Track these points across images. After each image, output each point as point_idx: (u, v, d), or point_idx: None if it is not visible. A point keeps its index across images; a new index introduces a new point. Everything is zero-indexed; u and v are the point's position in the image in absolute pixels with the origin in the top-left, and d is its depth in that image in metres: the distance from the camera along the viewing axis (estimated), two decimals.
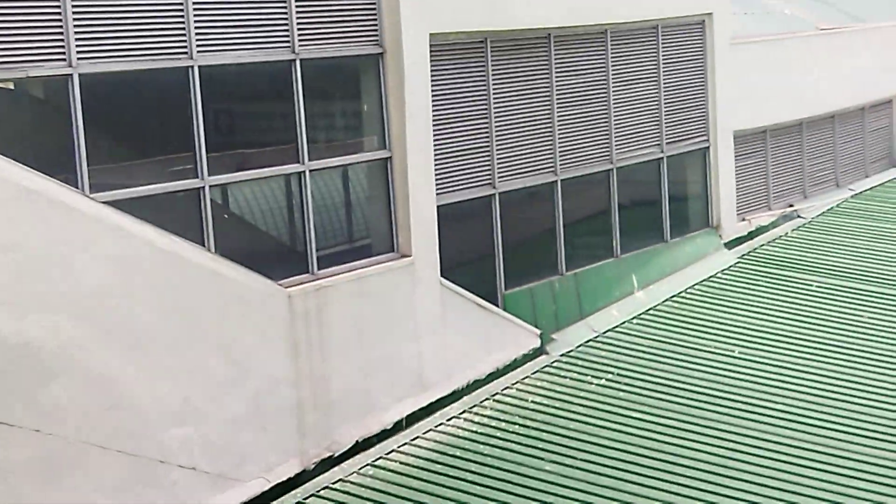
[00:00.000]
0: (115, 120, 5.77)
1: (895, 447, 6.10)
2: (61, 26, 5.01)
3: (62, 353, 5.23)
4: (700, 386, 6.98)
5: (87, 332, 5.32)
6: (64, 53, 5.07)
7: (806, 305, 8.52)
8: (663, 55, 9.27)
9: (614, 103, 8.60)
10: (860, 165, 12.91)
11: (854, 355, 7.60)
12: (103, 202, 5.25)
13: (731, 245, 10.06)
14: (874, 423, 6.36)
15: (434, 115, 6.82)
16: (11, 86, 5.18)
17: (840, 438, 6.17)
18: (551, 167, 7.96)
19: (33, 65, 5.04)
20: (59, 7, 4.93)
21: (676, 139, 9.51)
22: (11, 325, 4.80)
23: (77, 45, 5.14)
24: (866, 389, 6.93)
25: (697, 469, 5.85)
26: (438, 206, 6.91)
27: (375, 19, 6.40)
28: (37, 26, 4.95)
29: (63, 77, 5.09)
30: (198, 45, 5.62)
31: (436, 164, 6.82)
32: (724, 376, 7.14)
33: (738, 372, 7.19)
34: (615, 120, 8.62)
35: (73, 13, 5.04)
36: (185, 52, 5.52)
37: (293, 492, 5.89)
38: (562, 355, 7.49)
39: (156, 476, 5.57)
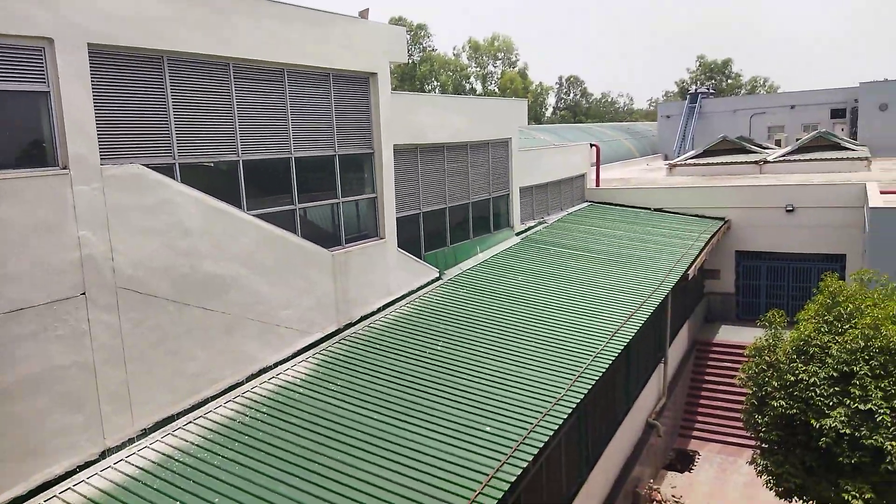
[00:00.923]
0: (259, 177, 11.27)
1: None
2: (233, 134, 10.46)
3: (235, 279, 9.99)
4: (511, 292, 15.58)
5: (246, 270, 10.16)
6: (234, 149, 10.40)
7: (555, 263, 18.24)
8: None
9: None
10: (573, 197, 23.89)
11: (591, 298, 17.23)
12: (253, 214, 10.46)
13: (518, 234, 19.93)
14: None
15: (395, 179, 14.52)
16: (212, 164, 10.73)
17: None
18: (442, 198, 16.91)
19: (222, 154, 10.10)
20: (231, 122, 10.71)
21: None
22: (213, 267, 9.65)
23: (241, 144, 10.50)
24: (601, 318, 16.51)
25: (523, 332, 14.86)
26: (397, 217, 14.30)
27: (371, 137, 14.02)
28: (223, 132, 10.46)
29: (234, 161, 10.37)
30: (294, 145, 11.80)
31: (395, 200, 15.16)
32: (524, 288, 16.23)
33: (529, 285, 16.38)
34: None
35: (240, 127, 10.77)
36: (288, 150, 11.78)
37: (333, 338, 12.70)
38: (447, 280, 15.72)
39: (276, 332, 10.72)
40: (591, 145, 27.65)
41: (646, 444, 16.14)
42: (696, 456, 18.18)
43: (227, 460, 8.33)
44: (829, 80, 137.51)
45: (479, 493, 7.62)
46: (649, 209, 24.43)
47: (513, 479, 7.97)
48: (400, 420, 9.36)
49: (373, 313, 13.10)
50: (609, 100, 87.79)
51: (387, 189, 13.71)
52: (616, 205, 25.12)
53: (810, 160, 30.22)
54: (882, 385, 10.60)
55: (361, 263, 12.92)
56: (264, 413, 9.51)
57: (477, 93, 76.41)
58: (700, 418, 19.82)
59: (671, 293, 16.48)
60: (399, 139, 14.25)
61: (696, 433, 19.38)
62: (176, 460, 8.34)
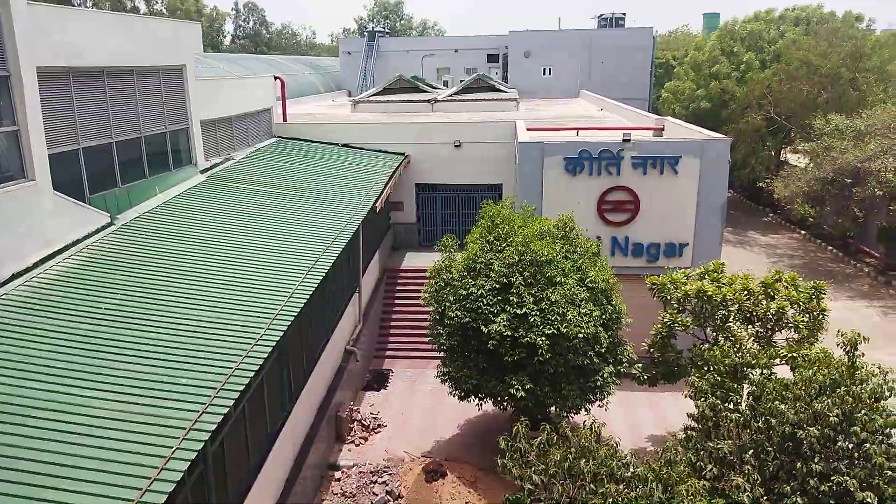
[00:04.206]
0: None
1: None
2: None
3: None
4: (198, 234, 14.25)
5: None
6: None
7: (245, 201, 17.46)
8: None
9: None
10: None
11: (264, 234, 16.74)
12: None
13: (203, 171, 18.57)
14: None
15: (43, 109, 12.73)
16: None
17: None
18: (108, 132, 14.69)
19: None
20: None
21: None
22: None
23: None
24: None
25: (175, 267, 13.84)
26: (49, 154, 12.30)
27: (4, 57, 12.06)
28: None
29: None
30: None
31: (46, 135, 12.94)
32: (212, 228, 14.88)
33: (217, 225, 15.25)
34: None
35: None
36: None
37: None
38: (122, 226, 13.73)
39: None
40: (276, 78, 26.82)
41: (345, 370, 17.00)
42: (391, 374, 19.81)
43: None
44: (487, 27, 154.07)
45: (177, 448, 7.19)
46: (337, 145, 24.88)
47: (212, 427, 7.69)
48: (74, 388, 8.23)
49: (28, 269, 11.11)
50: (291, 31, 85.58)
51: (32, 121, 11.55)
52: (304, 140, 25.01)
53: (472, 100, 33.81)
54: (532, 292, 12.73)
55: (6, 211, 10.87)
56: None
57: (141, 12, 67.64)
58: (393, 339, 21.52)
59: (361, 225, 17.23)
60: (45, 60, 12.06)
61: (389, 353, 21.04)
62: None
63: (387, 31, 59.84)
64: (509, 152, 24.43)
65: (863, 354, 10.51)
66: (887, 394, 9.80)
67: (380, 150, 24.75)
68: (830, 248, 32.05)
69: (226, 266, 12.53)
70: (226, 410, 8.09)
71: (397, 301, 22.71)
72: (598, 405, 13.52)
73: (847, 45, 34.19)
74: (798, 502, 9.05)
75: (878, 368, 10.06)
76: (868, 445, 9.24)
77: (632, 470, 8.93)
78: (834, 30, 36.55)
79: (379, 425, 16.76)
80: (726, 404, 10.65)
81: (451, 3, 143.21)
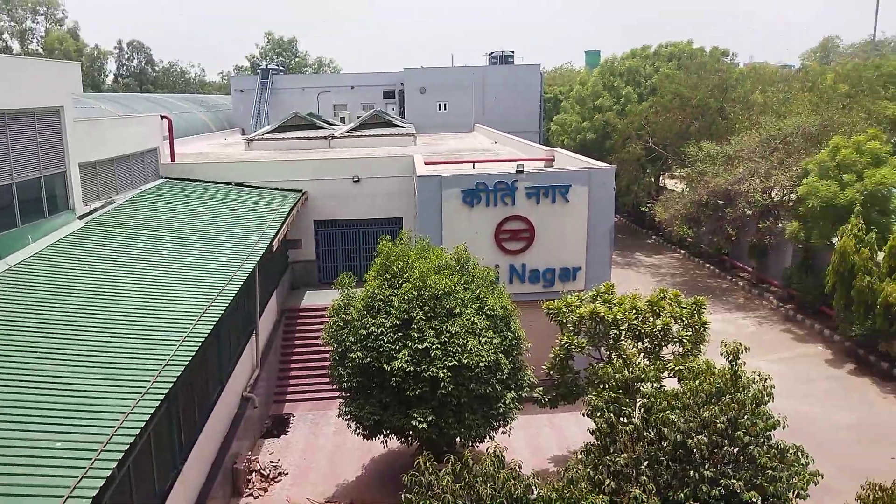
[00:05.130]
0: None
1: None
2: None
3: None
4: (76, 285, 13.17)
5: None
6: None
7: (129, 246, 16.51)
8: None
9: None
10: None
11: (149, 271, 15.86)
12: None
13: (82, 217, 17.43)
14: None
15: None
16: None
17: None
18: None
19: None
20: None
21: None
22: None
23: None
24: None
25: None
26: None
27: None
28: None
29: None
30: None
31: None
32: (93, 278, 13.84)
33: (99, 274, 14.14)
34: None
35: None
36: None
37: None
38: None
39: None
40: (163, 117, 25.87)
41: (242, 417, 16.28)
42: (292, 418, 19.17)
43: None
44: (383, 63, 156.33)
45: None
46: (230, 184, 24.20)
47: (92, 494, 7.14)
48: None
49: None
50: (179, 70, 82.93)
51: None
52: (195, 180, 24.15)
53: (370, 136, 34.01)
54: (433, 325, 12.81)
55: None
56: None
57: (14, 52, 63.57)
58: (293, 381, 20.87)
59: (258, 266, 16.76)
60: None
61: (290, 396, 20.37)
62: None
63: (281, 68, 59.26)
64: (408, 186, 24.68)
65: (744, 363, 11.25)
66: (767, 398, 10.54)
67: (276, 189, 24.29)
68: (708, 265, 34.38)
69: (108, 317, 11.78)
70: (107, 474, 7.54)
71: (297, 341, 22.13)
72: (502, 431, 13.69)
73: (714, 77, 37.30)
74: None
75: (758, 375, 10.80)
76: (752, 448, 9.87)
77: (535, 492, 9.07)
78: (702, 64, 39.80)
79: (280, 473, 16.10)
80: (621, 419, 11.08)
81: (346, 40, 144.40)
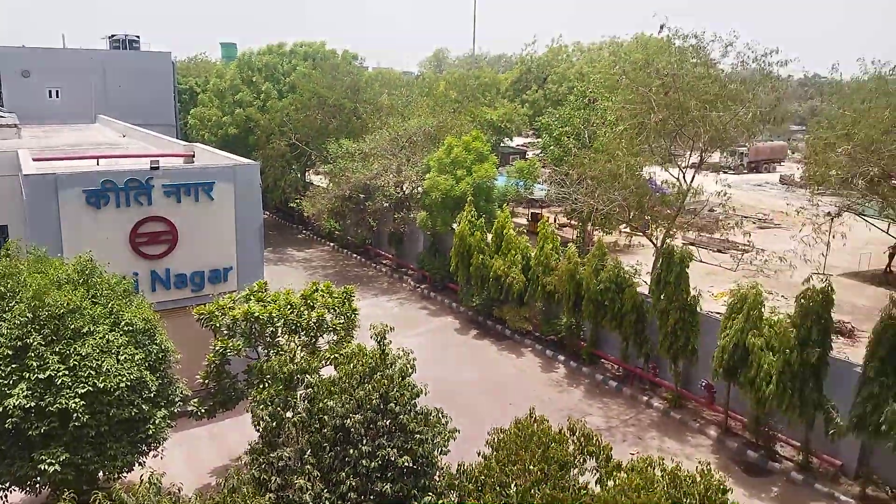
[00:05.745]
0: None
1: None
2: None
3: None
4: None
5: None
6: None
7: None
8: None
9: None
10: None
11: None
12: None
13: None
14: None
15: None
16: None
17: None
18: None
19: None
20: None
21: None
22: None
23: None
24: None
25: None
26: None
27: None
28: None
29: None
30: None
31: None
32: None
33: None
34: None
35: None
36: None
37: None
38: None
39: None
40: None
41: None
42: None
43: None
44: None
45: None
46: None
47: None
48: None
49: None
50: None
51: None
52: None
53: None
54: (58, 350, 11.01)
55: None
56: None
57: None
58: None
59: None
60: None
61: None
62: None
63: None
64: (12, 188, 20.61)
65: (390, 342, 12.24)
66: (410, 370, 11.66)
67: None
68: (355, 255, 36.69)
69: None
70: None
71: None
72: (153, 455, 12.53)
73: (347, 79, 39.58)
74: (351, 485, 10.06)
75: (402, 351, 11.87)
76: (402, 417, 10.85)
77: None
78: (336, 66, 41.79)
79: None
80: (286, 413, 11.12)
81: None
